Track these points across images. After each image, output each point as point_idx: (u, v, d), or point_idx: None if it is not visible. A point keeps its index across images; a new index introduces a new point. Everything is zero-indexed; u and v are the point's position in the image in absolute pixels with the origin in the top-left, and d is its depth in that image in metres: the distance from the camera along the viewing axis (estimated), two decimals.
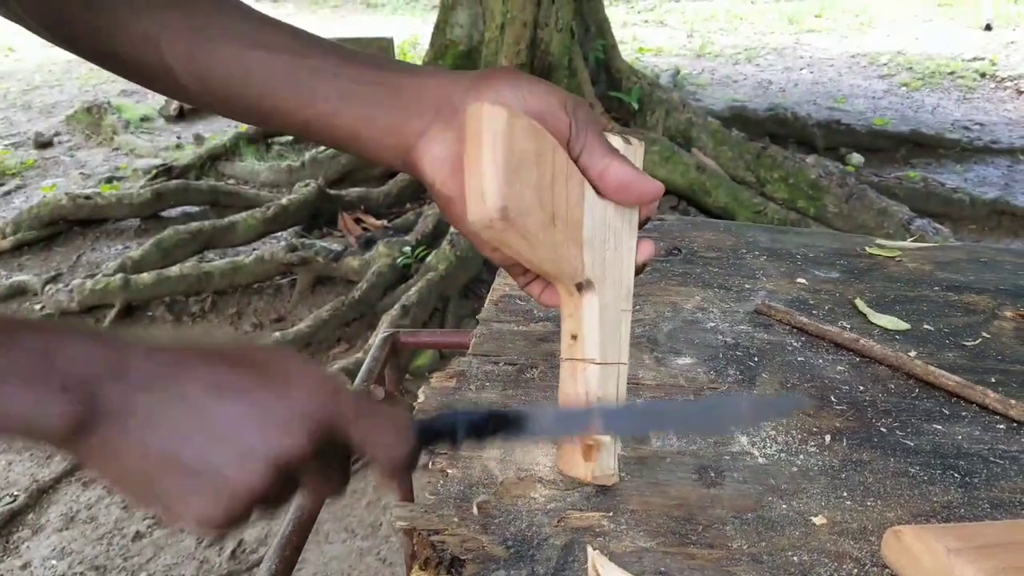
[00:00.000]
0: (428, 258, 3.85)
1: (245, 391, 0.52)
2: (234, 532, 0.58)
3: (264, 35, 0.68)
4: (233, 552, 2.54)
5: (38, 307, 3.82)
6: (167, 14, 0.68)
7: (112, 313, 3.67)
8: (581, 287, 0.70)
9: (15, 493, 2.79)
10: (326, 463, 0.56)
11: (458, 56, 5.15)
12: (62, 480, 2.87)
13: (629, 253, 0.71)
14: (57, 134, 6.37)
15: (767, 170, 4.74)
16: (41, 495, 2.80)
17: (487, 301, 1.17)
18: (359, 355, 3.36)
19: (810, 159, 5.02)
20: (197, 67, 0.69)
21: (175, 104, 6.76)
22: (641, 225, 0.72)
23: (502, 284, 1.21)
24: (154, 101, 7.16)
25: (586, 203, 0.67)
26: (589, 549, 0.69)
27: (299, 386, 0.54)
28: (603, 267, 0.70)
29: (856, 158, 5.71)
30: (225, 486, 0.51)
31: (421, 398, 0.93)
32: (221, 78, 0.68)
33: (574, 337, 0.71)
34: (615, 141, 0.69)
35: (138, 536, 2.62)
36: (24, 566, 2.50)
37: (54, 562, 2.52)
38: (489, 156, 0.60)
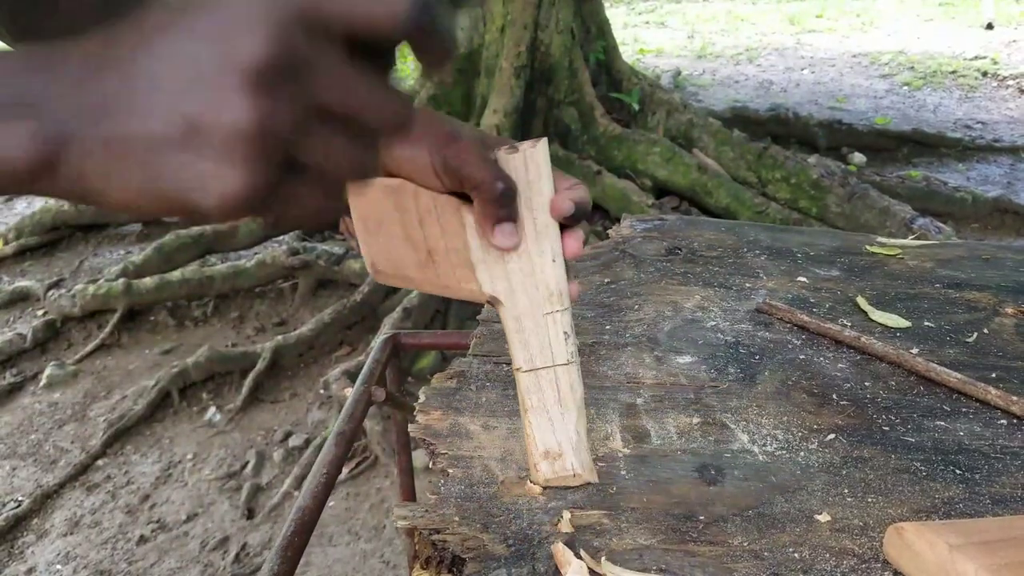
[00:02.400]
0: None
1: (183, 26, 0.42)
2: (286, 202, 0.49)
3: None
4: (237, 556, 2.55)
5: (41, 312, 3.83)
6: None
7: (115, 318, 3.68)
8: (492, 303, 0.72)
9: (20, 499, 2.80)
10: (341, 70, 0.45)
11: (458, 59, 5.15)
12: (66, 485, 2.87)
13: (544, 256, 0.71)
14: None
15: (769, 170, 4.74)
16: (45, 500, 2.80)
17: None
18: (361, 358, 3.36)
19: (812, 159, 5.01)
20: None
21: None
22: (576, 219, 0.71)
23: None
24: None
25: (468, 228, 0.69)
26: (557, 546, 0.70)
27: None
28: (507, 279, 0.71)
29: (858, 158, 5.71)
30: (219, 136, 0.41)
31: (422, 398, 0.93)
32: None
33: None
34: (501, 154, 0.69)
35: (142, 540, 2.62)
36: (29, 571, 2.51)
37: (59, 567, 2.52)
38: (353, 226, 0.70)
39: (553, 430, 0.74)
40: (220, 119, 0.41)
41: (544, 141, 0.70)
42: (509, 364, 1.00)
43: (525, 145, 0.70)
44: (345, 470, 2.82)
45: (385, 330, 2.39)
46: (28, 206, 5.06)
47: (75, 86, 0.42)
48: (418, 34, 0.46)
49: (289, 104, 0.43)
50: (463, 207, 0.69)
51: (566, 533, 0.71)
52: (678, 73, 8.07)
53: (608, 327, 1.09)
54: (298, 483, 2.81)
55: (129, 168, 0.42)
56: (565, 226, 0.72)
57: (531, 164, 0.70)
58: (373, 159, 0.48)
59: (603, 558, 0.68)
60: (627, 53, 6.76)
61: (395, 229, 0.71)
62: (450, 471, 0.80)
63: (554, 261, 0.71)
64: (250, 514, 2.73)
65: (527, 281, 0.71)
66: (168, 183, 0.42)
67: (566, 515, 0.73)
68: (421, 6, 0.45)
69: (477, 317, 1.13)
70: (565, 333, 0.72)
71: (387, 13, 0.44)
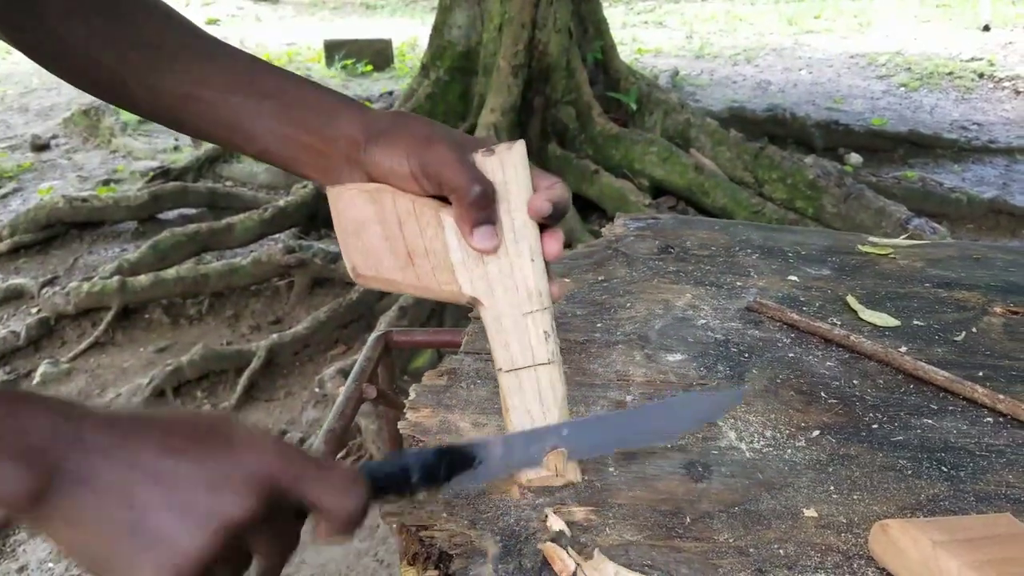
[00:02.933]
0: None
1: (193, 457, 0.53)
2: None
3: (216, 63, 0.74)
4: None
5: (35, 310, 3.82)
6: (122, 29, 0.73)
7: (109, 316, 3.67)
8: (472, 303, 0.73)
9: None
10: (277, 525, 0.56)
11: (456, 57, 5.15)
12: None
13: (522, 256, 0.72)
14: (54, 137, 6.38)
15: (765, 170, 4.74)
16: None
17: None
18: (356, 356, 3.36)
19: (808, 159, 5.02)
20: (151, 82, 0.74)
21: None
22: (555, 218, 0.72)
23: None
24: None
25: (447, 230, 0.71)
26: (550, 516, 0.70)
27: (246, 448, 0.55)
28: (486, 280, 0.72)
29: (854, 158, 5.72)
30: (176, 552, 0.51)
31: (412, 395, 0.93)
32: (172, 99, 0.74)
33: None
34: (478, 157, 0.70)
35: None
36: (21, 569, 2.51)
37: (51, 565, 2.52)
38: (336, 231, 0.73)
39: None
40: (184, 542, 0.51)
41: (521, 143, 0.71)
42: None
43: (501, 147, 0.70)
44: None
45: (380, 328, 2.39)
46: (23, 203, 5.06)
47: (86, 459, 0.51)
48: (352, 526, 0.59)
49: (236, 552, 0.54)
50: (442, 209, 0.70)
51: (555, 531, 0.71)
52: (676, 73, 8.07)
53: (599, 324, 1.10)
54: None
55: (90, 539, 0.51)
56: (546, 226, 0.72)
57: (507, 166, 0.70)
58: (246, 567, 0.58)
59: (596, 552, 0.68)
60: (625, 53, 6.76)
61: (375, 232, 0.72)
62: None
63: (533, 261, 0.71)
64: None
65: (506, 281, 0.71)
66: (103, 559, 0.51)
67: (550, 513, 0.73)
68: (360, 514, 0.58)
69: (470, 315, 1.13)
70: (545, 332, 0.72)
71: (341, 511, 0.57)
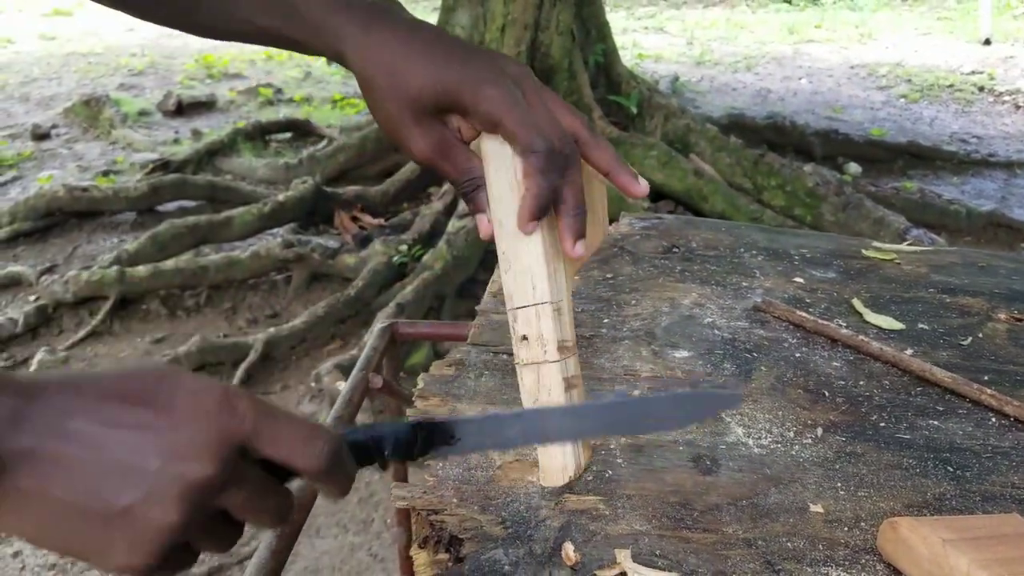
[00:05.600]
0: (424, 257, 3.85)
1: (140, 424, 0.50)
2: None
3: None
4: None
5: (33, 298, 3.81)
6: None
7: (107, 305, 3.67)
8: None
9: None
10: (251, 482, 0.54)
11: None
12: None
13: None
14: (55, 126, 6.36)
15: (764, 177, 4.75)
16: None
17: (486, 292, 1.18)
18: (354, 352, 3.36)
19: (807, 167, 5.03)
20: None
21: (173, 99, 6.76)
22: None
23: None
24: (152, 96, 7.15)
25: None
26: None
27: (195, 408, 0.51)
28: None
29: (853, 168, 5.73)
30: (139, 527, 0.49)
31: (420, 385, 0.93)
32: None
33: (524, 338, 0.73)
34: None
35: None
36: (15, 554, 2.50)
37: (45, 551, 2.51)
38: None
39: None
40: (149, 516, 0.49)
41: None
42: (507, 354, 1.00)
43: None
44: None
45: (379, 323, 2.39)
46: (23, 191, 5.04)
47: (29, 434, 0.48)
48: (325, 477, 0.56)
49: (205, 511, 0.51)
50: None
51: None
52: (676, 79, 8.08)
53: (606, 320, 1.10)
54: None
55: (46, 519, 0.49)
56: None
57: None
58: (235, 540, 0.57)
59: (624, 554, 0.68)
60: (626, 58, 6.77)
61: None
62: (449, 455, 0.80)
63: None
64: None
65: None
66: (71, 542, 0.49)
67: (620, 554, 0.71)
68: (332, 461, 0.55)
69: (476, 308, 1.13)
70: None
71: (305, 463, 0.54)
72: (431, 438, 0.63)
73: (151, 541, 0.49)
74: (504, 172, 0.69)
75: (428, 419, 0.65)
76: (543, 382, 0.73)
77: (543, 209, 0.69)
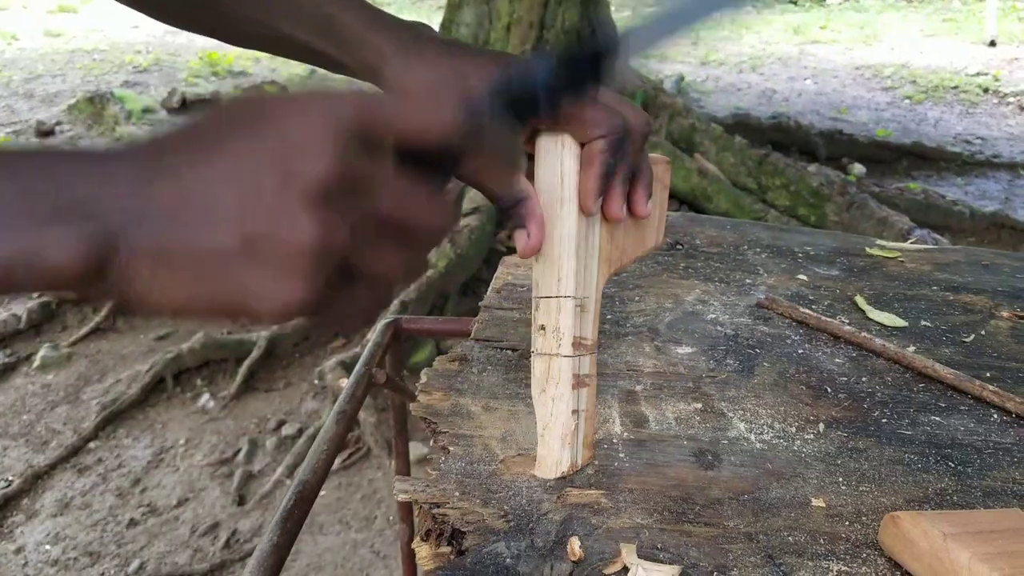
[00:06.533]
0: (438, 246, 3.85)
1: (239, 148, 0.44)
2: (344, 310, 0.48)
3: None
4: (227, 541, 2.55)
5: (36, 294, 3.82)
6: None
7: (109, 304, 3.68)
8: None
9: (9, 478, 2.80)
10: (392, 175, 0.47)
11: None
12: (57, 467, 2.87)
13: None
14: (59, 123, 6.37)
15: (769, 177, 4.75)
16: (36, 481, 2.80)
17: (490, 288, 1.18)
18: (357, 350, 3.37)
19: (812, 168, 5.03)
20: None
21: (178, 96, 6.77)
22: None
23: (504, 272, 1.22)
24: (156, 93, 7.16)
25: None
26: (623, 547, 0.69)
27: (294, 109, 0.45)
28: None
29: (858, 168, 5.73)
30: (278, 251, 0.42)
31: (424, 379, 0.93)
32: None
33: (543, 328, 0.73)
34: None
35: (132, 523, 2.62)
36: (18, 550, 2.51)
37: (48, 547, 2.52)
38: None
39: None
40: (280, 236, 0.42)
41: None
42: (511, 349, 1.01)
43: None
44: (338, 460, 2.82)
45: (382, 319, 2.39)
46: None
47: (128, 194, 0.42)
48: (471, 143, 0.48)
49: (346, 219, 0.44)
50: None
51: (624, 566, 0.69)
52: (681, 78, 8.08)
53: (609, 316, 1.10)
54: (290, 471, 2.82)
55: (182, 277, 0.43)
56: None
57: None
58: (421, 264, 0.50)
59: (630, 549, 0.68)
60: None
61: None
62: (451, 449, 0.80)
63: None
64: (241, 500, 2.73)
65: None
66: (222, 293, 0.43)
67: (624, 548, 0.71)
68: (472, 115, 0.47)
69: (479, 303, 1.13)
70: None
71: (437, 123, 0.47)
72: (595, 52, 0.57)
73: (300, 262, 0.43)
74: (553, 163, 0.69)
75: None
76: (552, 375, 0.73)
77: (601, 190, 0.68)
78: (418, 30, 0.72)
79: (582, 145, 0.67)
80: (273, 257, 0.42)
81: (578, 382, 0.73)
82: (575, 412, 0.74)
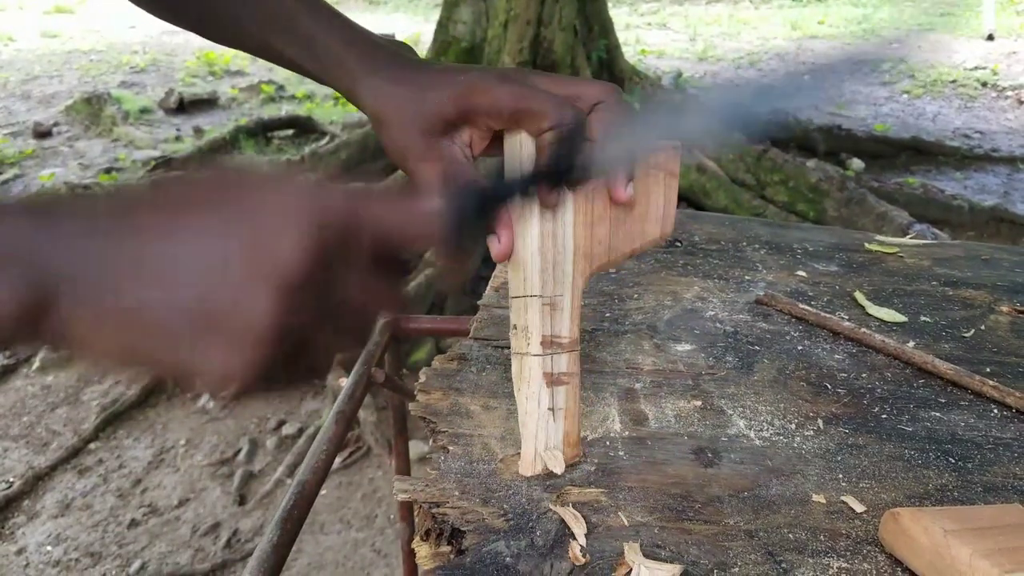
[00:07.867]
0: (426, 254, 3.85)
1: (219, 211, 0.44)
2: (280, 382, 0.49)
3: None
4: (228, 541, 2.55)
5: None
6: None
7: None
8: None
9: (10, 479, 2.80)
10: (361, 264, 0.48)
11: (461, 53, 5.16)
12: (58, 468, 2.87)
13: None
14: (56, 124, 6.37)
15: (767, 173, 4.75)
16: (37, 482, 2.80)
17: (488, 287, 1.18)
18: (355, 349, 3.36)
19: (810, 163, 5.03)
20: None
21: (175, 97, 6.77)
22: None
23: (503, 271, 1.22)
24: (153, 93, 7.16)
25: None
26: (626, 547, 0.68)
27: (274, 192, 0.45)
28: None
29: (856, 163, 5.73)
30: (240, 327, 0.43)
31: (423, 379, 0.93)
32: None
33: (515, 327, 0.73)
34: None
35: (133, 524, 2.62)
36: (19, 551, 2.51)
37: (49, 548, 2.52)
38: None
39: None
40: (239, 312, 0.43)
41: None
42: (509, 348, 1.00)
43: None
44: (338, 460, 2.82)
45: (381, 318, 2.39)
46: (24, 189, 5.05)
47: (77, 247, 0.42)
48: (445, 247, 0.50)
49: (307, 306, 0.45)
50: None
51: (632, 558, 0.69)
52: (679, 75, 8.08)
53: (608, 314, 1.10)
54: (290, 471, 2.82)
55: (127, 332, 0.43)
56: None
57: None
58: (365, 335, 0.52)
59: (634, 548, 0.68)
60: (629, 54, 6.77)
61: None
62: (450, 448, 0.80)
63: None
64: (242, 500, 2.73)
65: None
66: (167, 353, 0.43)
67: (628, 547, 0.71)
68: (455, 226, 0.49)
69: (478, 302, 1.13)
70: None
71: (418, 232, 0.48)
72: (568, 149, 0.59)
73: (250, 341, 0.43)
74: (513, 163, 0.68)
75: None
76: (523, 373, 0.73)
77: (556, 182, 0.67)
78: (393, 51, 0.73)
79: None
80: (227, 330, 0.43)
81: (553, 380, 0.73)
82: (551, 410, 0.74)
